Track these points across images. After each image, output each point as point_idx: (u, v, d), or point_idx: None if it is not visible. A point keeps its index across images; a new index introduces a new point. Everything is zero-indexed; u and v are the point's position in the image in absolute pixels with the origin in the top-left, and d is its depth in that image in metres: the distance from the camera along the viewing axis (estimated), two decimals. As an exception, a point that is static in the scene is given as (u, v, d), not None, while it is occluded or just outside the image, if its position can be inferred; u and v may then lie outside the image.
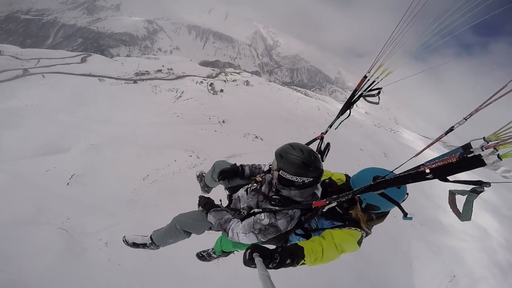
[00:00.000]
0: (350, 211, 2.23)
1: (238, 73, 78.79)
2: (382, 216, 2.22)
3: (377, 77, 2.44)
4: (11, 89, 36.73)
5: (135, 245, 3.08)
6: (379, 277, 19.68)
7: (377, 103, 2.61)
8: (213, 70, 76.47)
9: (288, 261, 1.78)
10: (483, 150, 1.20)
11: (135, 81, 52.19)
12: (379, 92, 2.56)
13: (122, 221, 17.24)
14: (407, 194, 2.05)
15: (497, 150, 1.17)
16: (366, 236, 2.20)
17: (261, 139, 33.33)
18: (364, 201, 2.08)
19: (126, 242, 3.10)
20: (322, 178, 2.52)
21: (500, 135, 1.20)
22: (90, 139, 25.61)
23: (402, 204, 2.04)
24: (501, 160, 1.17)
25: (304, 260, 1.88)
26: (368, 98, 2.65)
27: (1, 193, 17.23)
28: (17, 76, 43.81)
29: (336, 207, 2.24)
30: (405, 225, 25.77)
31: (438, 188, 34.79)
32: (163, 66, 67.23)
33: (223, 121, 37.07)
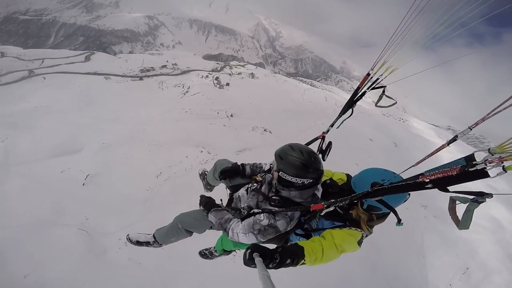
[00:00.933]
0: (350, 211, 2.24)
1: (243, 66, 77.83)
2: (383, 216, 2.21)
3: (381, 75, 2.34)
4: (18, 91, 36.92)
5: (138, 243, 3.16)
6: (393, 270, 19.51)
7: (395, 103, 2.57)
8: (218, 63, 75.68)
9: (288, 261, 1.79)
10: (486, 165, 1.16)
11: (140, 78, 52.05)
12: (383, 91, 2.50)
13: (139, 220, 17.28)
14: (409, 194, 1.98)
15: (502, 162, 1.13)
16: (366, 236, 2.21)
17: (270, 132, 32.98)
18: (366, 202, 2.09)
19: (130, 240, 3.17)
20: (323, 179, 2.58)
21: (506, 147, 1.16)
22: (101, 138, 25.55)
23: (408, 201, 2.05)
24: (505, 172, 1.13)
25: (304, 260, 1.89)
26: (382, 104, 2.58)
27: (21, 196, 17.39)
28: (23, 78, 43.90)
29: (337, 208, 2.25)
30: (418, 218, 25.50)
31: None
32: (167, 61, 66.84)
33: (231, 115, 36.78)
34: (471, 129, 1.58)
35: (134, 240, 3.18)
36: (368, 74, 2.44)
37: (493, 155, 1.19)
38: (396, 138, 46.75)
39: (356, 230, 2.15)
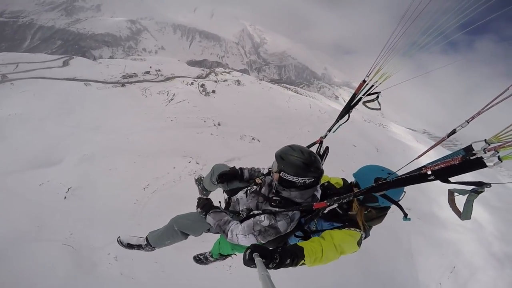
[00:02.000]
0: (349, 212, 2.25)
1: (228, 73, 78.07)
2: (381, 216, 2.25)
3: (376, 81, 2.47)
4: (-11, 97, 34.57)
5: (129, 246, 3.07)
6: (384, 272, 20.27)
7: (379, 109, 2.63)
8: (203, 70, 75.36)
9: (288, 261, 1.80)
10: (485, 153, 1.23)
11: (123, 84, 50.54)
12: (377, 97, 2.59)
13: (128, 234, 16.64)
14: (404, 192, 2.08)
15: (497, 152, 1.20)
16: (365, 238, 2.22)
17: (258, 140, 33.12)
18: None
19: (120, 243, 3.07)
20: (321, 182, 2.59)
21: (502, 137, 1.23)
22: (82, 149, 24.48)
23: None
24: (501, 161, 1.20)
25: (304, 261, 1.90)
26: (368, 105, 2.65)
27: (-2, 210, 16.35)
28: (-6, 83, 41.26)
29: (337, 208, 2.31)
30: (403, 221, 26.39)
31: (431, 183, 35.91)
32: (150, 67, 65.54)
33: (219, 124, 36.55)
34: (468, 122, 1.70)
35: (125, 242, 3.07)
36: (364, 81, 2.54)
37: (489, 144, 1.25)
38: (377, 143, 48.49)
39: (355, 230, 2.16)
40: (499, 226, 31.46)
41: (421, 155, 1.88)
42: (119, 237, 3.10)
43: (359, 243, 2.15)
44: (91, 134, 27.90)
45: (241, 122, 38.54)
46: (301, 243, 2.00)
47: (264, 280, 1.40)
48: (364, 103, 2.66)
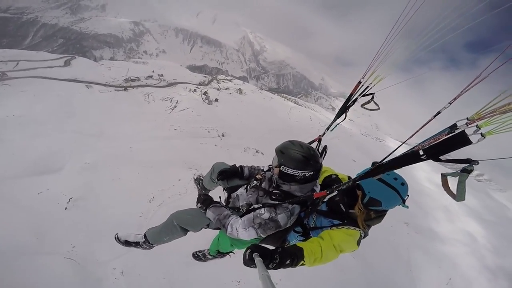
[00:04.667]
0: (350, 211, 2.27)
1: (230, 81, 78.32)
2: (380, 216, 2.28)
3: (371, 83, 2.57)
4: (-14, 96, 33.67)
5: (127, 243, 3.05)
6: (386, 284, 20.53)
7: (377, 109, 2.72)
8: (205, 77, 75.33)
9: (288, 262, 1.83)
10: (467, 126, 1.36)
11: (125, 88, 49.87)
12: (372, 98, 2.68)
13: (134, 248, 16.05)
14: (408, 195, 2.15)
15: (479, 128, 1.30)
16: (364, 237, 2.26)
17: (262, 153, 32.93)
18: (368, 194, 2.11)
19: (118, 240, 3.05)
20: (329, 173, 2.75)
21: (482, 113, 1.32)
22: (84, 156, 23.74)
23: (391, 218, 2.32)
24: (484, 138, 1.31)
25: (304, 261, 1.93)
26: (366, 106, 2.76)
27: (-7, 219, 15.53)
28: (-7, 81, 40.23)
29: (340, 205, 2.34)
30: (402, 234, 27.38)
31: (427, 198, 37.12)
32: (153, 71, 65.30)
33: (223, 135, 36.25)
34: (450, 104, 1.81)
35: (123, 239, 3.04)
36: (359, 82, 2.62)
37: (470, 121, 1.38)
38: (376, 158, 48.71)
39: (355, 229, 2.18)
40: (491, 239, 32.77)
41: (410, 137, 2.07)
42: (116, 234, 3.07)
43: (358, 242, 2.19)
44: (93, 141, 27.19)
45: (245, 134, 38.32)
46: (300, 244, 2.03)
47: (264, 280, 1.42)
48: (361, 106, 2.75)
